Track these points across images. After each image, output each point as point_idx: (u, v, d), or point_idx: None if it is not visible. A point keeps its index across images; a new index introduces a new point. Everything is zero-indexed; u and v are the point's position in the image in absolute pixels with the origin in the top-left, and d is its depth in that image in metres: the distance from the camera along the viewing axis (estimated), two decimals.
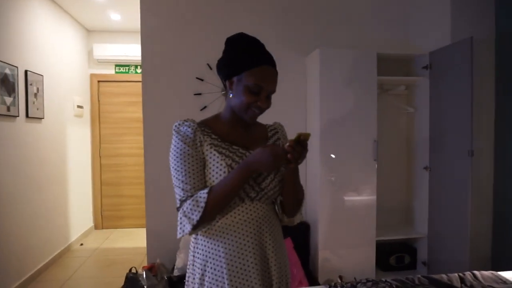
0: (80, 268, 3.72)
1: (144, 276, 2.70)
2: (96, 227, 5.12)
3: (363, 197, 2.95)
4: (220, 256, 1.14)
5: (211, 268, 1.15)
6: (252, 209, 1.17)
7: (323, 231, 2.91)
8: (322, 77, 2.88)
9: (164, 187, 3.02)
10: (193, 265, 1.21)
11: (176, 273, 2.81)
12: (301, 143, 1.05)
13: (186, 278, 1.24)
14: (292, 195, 1.23)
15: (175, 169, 1.14)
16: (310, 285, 2.67)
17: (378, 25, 3.37)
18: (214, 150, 1.15)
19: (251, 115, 1.16)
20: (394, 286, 1.76)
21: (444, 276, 1.91)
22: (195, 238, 1.21)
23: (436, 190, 2.99)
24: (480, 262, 2.89)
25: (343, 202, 2.93)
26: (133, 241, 4.56)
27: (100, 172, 5.12)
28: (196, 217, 1.08)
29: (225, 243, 1.14)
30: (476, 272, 1.95)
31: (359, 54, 2.93)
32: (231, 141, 1.20)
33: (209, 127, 1.20)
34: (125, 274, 2.86)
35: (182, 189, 1.13)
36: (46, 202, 3.72)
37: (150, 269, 2.88)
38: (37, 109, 3.50)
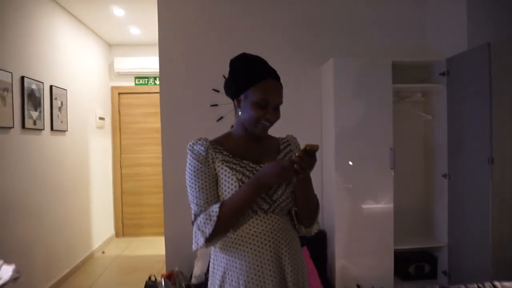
0: (102, 275, 3.82)
1: (163, 284, 2.75)
2: (117, 235, 5.24)
3: (380, 205, 2.92)
4: (237, 268, 1.17)
5: (229, 279, 1.18)
6: (267, 221, 1.19)
7: (340, 239, 2.90)
8: (336, 86, 2.90)
9: (182, 196, 3.03)
10: (213, 276, 1.25)
11: (194, 281, 2.85)
12: (309, 153, 1.08)
13: None
14: (306, 205, 1.25)
15: (190, 185, 1.21)
16: None
17: (393, 32, 3.36)
18: (225, 166, 1.20)
19: (261, 128, 1.21)
20: None
21: (462, 286, 1.87)
22: (214, 250, 1.25)
23: (456, 198, 2.93)
24: (503, 272, 2.80)
25: (360, 210, 2.91)
26: (152, 249, 4.64)
27: (121, 182, 5.25)
28: (208, 230, 1.14)
29: (241, 255, 1.17)
30: (496, 283, 1.91)
31: (373, 63, 2.92)
32: (242, 156, 1.24)
33: (221, 144, 1.25)
34: (144, 282, 2.92)
35: (196, 204, 1.20)
36: (71, 211, 3.85)
37: (168, 277, 2.93)
38: (61, 122, 3.65)
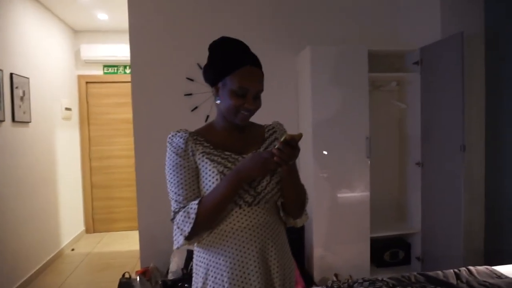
0: (72, 274, 3.66)
1: (138, 280, 2.66)
2: (87, 231, 5.05)
3: (357, 194, 2.95)
4: (220, 265, 1.11)
5: (212, 277, 1.12)
6: (252, 215, 1.14)
7: (317, 229, 2.91)
8: (313, 75, 2.87)
9: (157, 189, 2.98)
10: (196, 273, 1.19)
11: (170, 276, 2.78)
12: (290, 143, 1.02)
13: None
14: (293, 197, 1.20)
15: (169, 181, 1.15)
16: (306, 284, 2.66)
17: (368, 21, 3.36)
18: (206, 158, 1.14)
19: (241, 118, 1.14)
20: (390, 285, 1.75)
21: (439, 273, 1.91)
22: (196, 246, 1.19)
23: (429, 185, 3.00)
24: (474, 257, 2.91)
25: (337, 199, 2.93)
26: (125, 244, 4.50)
27: (90, 175, 5.04)
28: (187, 228, 1.07)
29: (225, 250, 1.12)
30: (471, 268, 1.96)
31: (350, 50, 2.92)
32: (224, 148, 1.18)
33: (202, 135, 1.19)
34: (118, 279, 2.81)
35: (176, 201, 1.14)
36: (36, 207, 3.64)
37: (143, 273, 2.84)
38: (24, 112, 3.42)
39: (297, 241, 3.02)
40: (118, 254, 4.19)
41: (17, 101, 3.29)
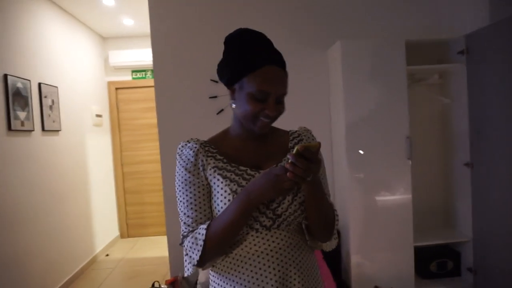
0: (105, 281, 3.66)
1: None
2: (122, 236, 5.08)
3: (397, 197, 2.70)
4: None
5: None
6: (270, 238, 0.97)
7: (355, 236, 2.69)
8: (345, 71, 2.65)
9: None
10: None
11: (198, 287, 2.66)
12: (304, 155, 0.83)
13: None
14: (318, 218, 1.00)
15: (178, 199, 1.01)
16: None
17: (405, 9, 3.07)
18: (218, 174, 0.98)
19: (260, 125, 0.97)
20: None
21: None
22: (211, 270, 1.04)
23: (481, 188, 2.68)
24: None
25: (375, 203, 2.70)
26: (157, 249, 4.47)
27: (123, 180, 5.07)
28: (196, 256, 0.94)
29: (240, 278, 0.96)
30: None
31: (384, 43, 2.67)
32: (239, 161, 1.01)
33: (215, 145, 1.03)
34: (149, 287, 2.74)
35: (185, 223, 1.00)
36: (69, 215, 3.67)
37: (172, 283, 2.75)
38: (53, 121, 3.45)
39: (333, 251, 2.81)
40: (150, 260, 4.16)
41: (46, 110, 3.32)
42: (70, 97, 3.88)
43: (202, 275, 2.70)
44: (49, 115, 3.38)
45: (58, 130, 3.54)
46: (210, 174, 0.99)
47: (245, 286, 0.95)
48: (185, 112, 3.01)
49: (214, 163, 0.99)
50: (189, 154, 1.00)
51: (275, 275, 0.95)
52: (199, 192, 0.98)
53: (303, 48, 3.02)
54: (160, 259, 4.08)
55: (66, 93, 3.77)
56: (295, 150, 0.83)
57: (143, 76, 5.02)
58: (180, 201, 1.00)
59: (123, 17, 4.16)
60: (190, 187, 0.98)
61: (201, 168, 0.99)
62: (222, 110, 2.98)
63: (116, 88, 5.02)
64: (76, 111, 4.02)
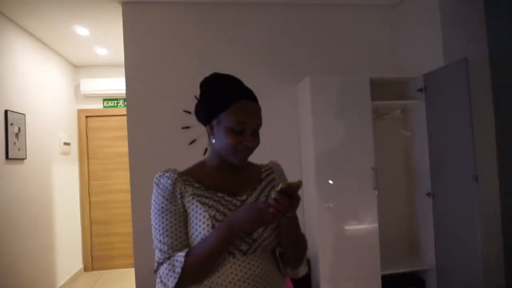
0: None
1: None
2: (85, 269, 4.85)
3: (365, 226, 2.79)
4: None
5: None
6: (247, 265, 1.01)
7: (324, 266, 2.74)
8: (314, 105, 2.79)
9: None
10: None
11: None
12: (288, 192, 0.90)
13: None
14: (291, 246, 1.08)
15: (154, 226, 1.04)
16: None
17: (370, 50, 3.30)
18: (197, 200, 1.03)
19: (240, 157, 1.04)
20: None
21: None
22: None
23: (441, 217, 2.83)
24: None
25: (344, 232, 2.77)
26: (124, 283, 4.30)
27: (89, 210, 4.90)
28: (171, 283, 0.95)
29: None
30: None
31: (351, 80, 2.84)
32: (216, 189, 1.07)
33: (192, 175, 1.08)
34: None
35: (160, 250, 1.02)
36: (30, 246, 3.49)
37: None
38: (19, 149, 3.34)
39: (303, 277, 2.83)
40: None
41: (11, 138, 3.22)
42: (38, 124, 3.79)
43: None
44: (15, 143, 3.28)
45: (23, 158, 3.43)
46: (189, 201, 1.03)
47: None
48: (157, 141, 3.02)
49: (192, 190, 1.04)
50: (167, 183, 1.04)
51: None
52: (175, 219, 1.02)
53: (273, 82, 3.15)
54: None
55: (34, 120, 3.68)
56: (279, 187, 0.90)
57: (115, 104, 4.99)
58: (156, 228, 1.03)
59: (96, 46, 4.18)
60: (166, 215, 1.02)
61: (178, 196, 1.03)
62: (194, 140, 3.02)
63: (86, 116, 4.94)
64: (44, 138, 3.92)
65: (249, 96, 1.06)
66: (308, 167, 2.93)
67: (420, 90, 2.96)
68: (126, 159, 4.74)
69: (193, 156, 3.19)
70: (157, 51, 3.07)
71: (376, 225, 2.80)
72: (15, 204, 3.27)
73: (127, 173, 4.77)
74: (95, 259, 4.90)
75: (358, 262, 2.78)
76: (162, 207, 1.02)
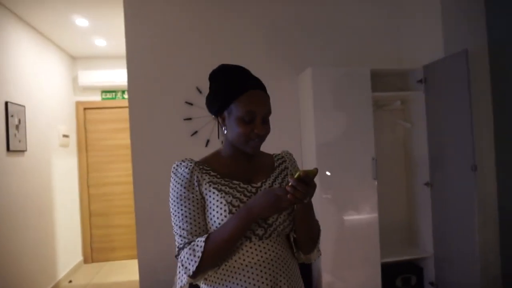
0: None
1: None
2: (85, 261, 4.87)
3: (364, 216, 2.84)
4: None
5: None
6: (262, 249, 1.05)
7: (325, 255, 2.76)
8: (315, 96, 2.81)
9: (156, 216, 2.88)
10: None
11: None
12: (304, 180, 0.93)
13: None
14: (305, 232, 1.13)
15: (173, 214, 1.08)
16: None
17: (371, 41, 3.32)
18: (213, 188, 1.06)
19: (253, 146, 1.08)
20: None
21: None
22: (203, 283, 1.10)
23: (440, 207, 2.88)
24: (490, 280, 2.76)
25: (344, 222, 2.81)
26: (125, 274, 4.33)
27: (88, 203, 4.91)
28: (192, 267, 0.99)
29: None
30: None
31: (352, 71, 2.86)
32: (232, 176, 1.10)
33: (208, 164, 1.12)
34: None
35: (180, 236, 1.05)
36: (31, 238, 3.51)
37: None
38: (19, 141, 3.34)
39: (305, 267, 2.88)
40: (117, 285, 4.02)
41: (12, 130, 3.21)
42: (37, 116, 3.78)
43: None
44: (15, 135, 3.27)
45: (23, 150, 3.43)
46: (206, 189, 1.06)
47: None
48: (159, 133, 3.02)
49: (208, 178, 1.07)
50: (185, 172, 1.07)
51: (267, 284, 1.02)
52: (193, 206, 1.05)
53: (275, 73, 3.16)
54: (128, 284, 3.96)
55: (33, 112, 3.67)
56: (296, 175, 0.93)
57: (113, 97, 4.98)
58: (175, 216, 1.06)
59: (95, 37, 4.16)
60: (185, 202, 1.05)
61: (196, 184, 1.06)
62: (196, 132, 3.04)
63: (85, 108, 4.93)
64: (43, 131, 3.91)
65: (257, 85, 1.09)
66: (309, 157, 2.96)
67: (420, 81, 2.99)
68: (125, 151, 4.79)
69: (195, 147, 3.23)
70: (158, 41, 3.06)
71: (376, 214, 2.85)
72: (16, 197, 3.28)
73: (125, 165, 4.82)
74: (94, 251, 4.92)
75: (358, 251, 2.82)
76: (181, 195, 1.06)
